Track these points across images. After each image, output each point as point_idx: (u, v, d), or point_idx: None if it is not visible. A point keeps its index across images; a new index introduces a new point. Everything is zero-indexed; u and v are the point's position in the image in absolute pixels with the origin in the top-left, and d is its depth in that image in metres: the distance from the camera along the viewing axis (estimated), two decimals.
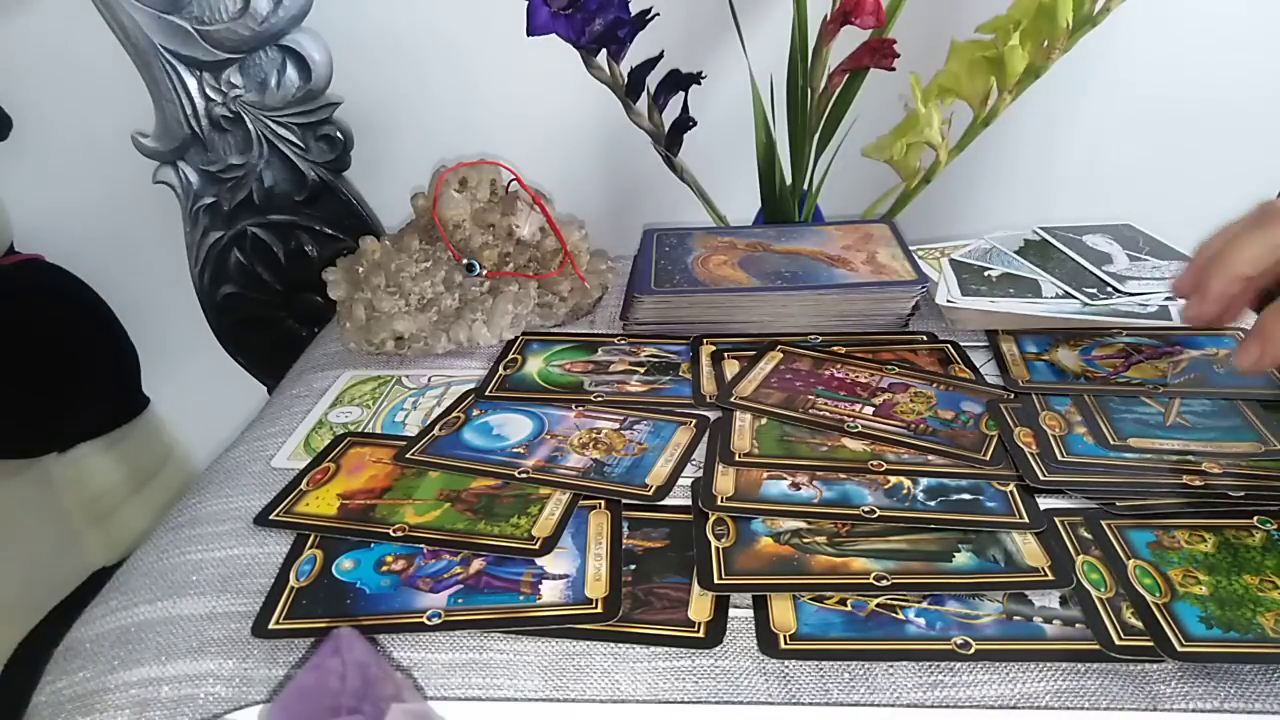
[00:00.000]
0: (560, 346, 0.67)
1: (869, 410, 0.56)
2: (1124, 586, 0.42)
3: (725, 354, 0.64)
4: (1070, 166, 0.90)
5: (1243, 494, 0.47)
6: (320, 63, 0.83)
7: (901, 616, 0.41)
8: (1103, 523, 0.46)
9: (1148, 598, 0.41)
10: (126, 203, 0.92)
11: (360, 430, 0.59)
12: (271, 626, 0.43)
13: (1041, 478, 0.49)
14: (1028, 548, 0.44)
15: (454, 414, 0.59)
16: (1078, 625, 0.40)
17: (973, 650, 0.39)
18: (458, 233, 0.72)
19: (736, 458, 0.52)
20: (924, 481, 0.49)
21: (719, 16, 0.71)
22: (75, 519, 0.94)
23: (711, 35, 0.79)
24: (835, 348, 0.64)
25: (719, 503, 0.48)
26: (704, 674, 0.40)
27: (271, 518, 0.50)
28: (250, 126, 0.85)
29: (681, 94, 0.69)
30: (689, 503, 0.49)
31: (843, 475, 0.50)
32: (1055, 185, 0.90)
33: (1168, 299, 0.65)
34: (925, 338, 0.66)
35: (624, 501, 0.49)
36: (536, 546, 0.46)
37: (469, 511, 0.49)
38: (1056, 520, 0.46)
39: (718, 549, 0.45)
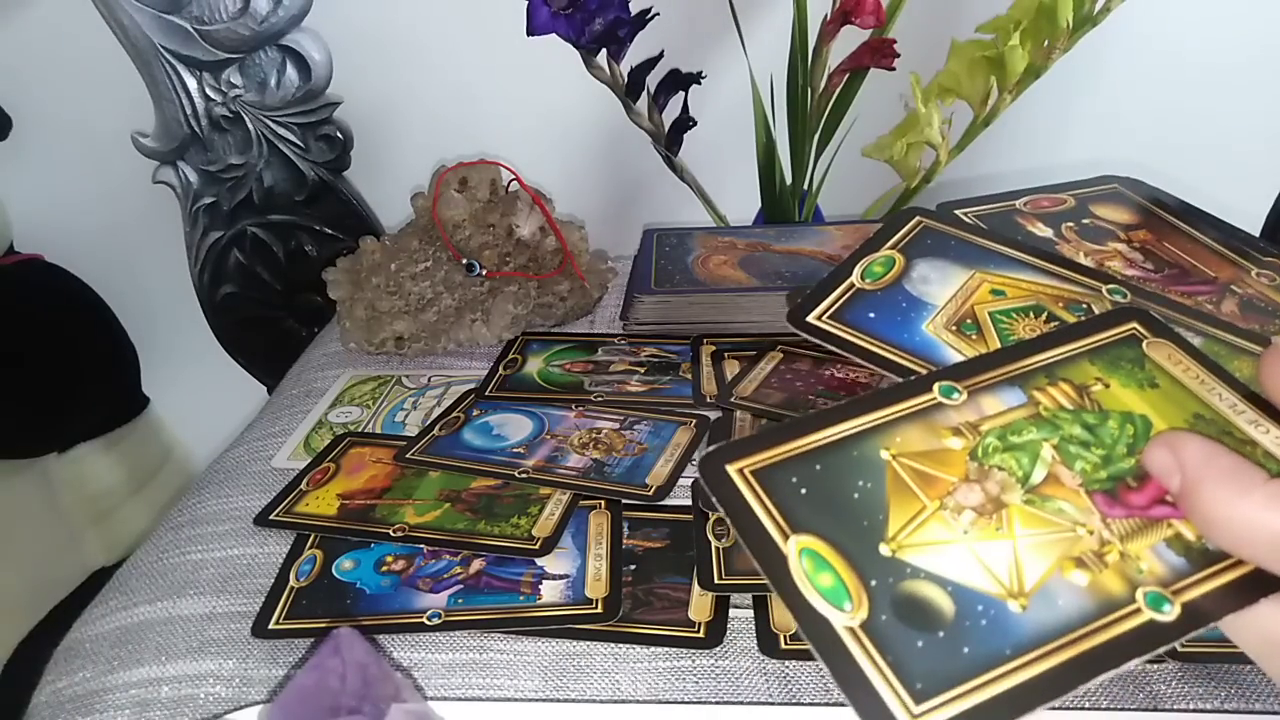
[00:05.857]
0: (560, 346, 0.67)
1: None
2: None
3: (725, 354, 0.64)
4: (1070, 166, 0.90)
5: None
6: (320, 63, 0.83)
7: None
8: None
9: None
10: (126, 203, 0.92)
11: (360, 430, 0.59)
12: (271, 626, 0.43)
13: None
14: None
15: (454, 414, 0.59)
16: None
17: None
18: (458, 233, 0.72)
19: None
20: None
21: (719, 16, 0.71)
22: (75, 519, 0.94)
23: (711, 35, 0.78)
24: None
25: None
26: (704, 674, 0.40)
27: (271, 518, 0.50)
28: (250, 126, 0.85)
29: (681, 94, 0.68)
30: (689, 503, 0.49)
31: None
32: None
33: None
34: None
35: (624, 501, 0.49)
36: (536, 546, 0.46)
37: (469, 511, 0.49)
38: None
39: (718, 549, 0.45)
